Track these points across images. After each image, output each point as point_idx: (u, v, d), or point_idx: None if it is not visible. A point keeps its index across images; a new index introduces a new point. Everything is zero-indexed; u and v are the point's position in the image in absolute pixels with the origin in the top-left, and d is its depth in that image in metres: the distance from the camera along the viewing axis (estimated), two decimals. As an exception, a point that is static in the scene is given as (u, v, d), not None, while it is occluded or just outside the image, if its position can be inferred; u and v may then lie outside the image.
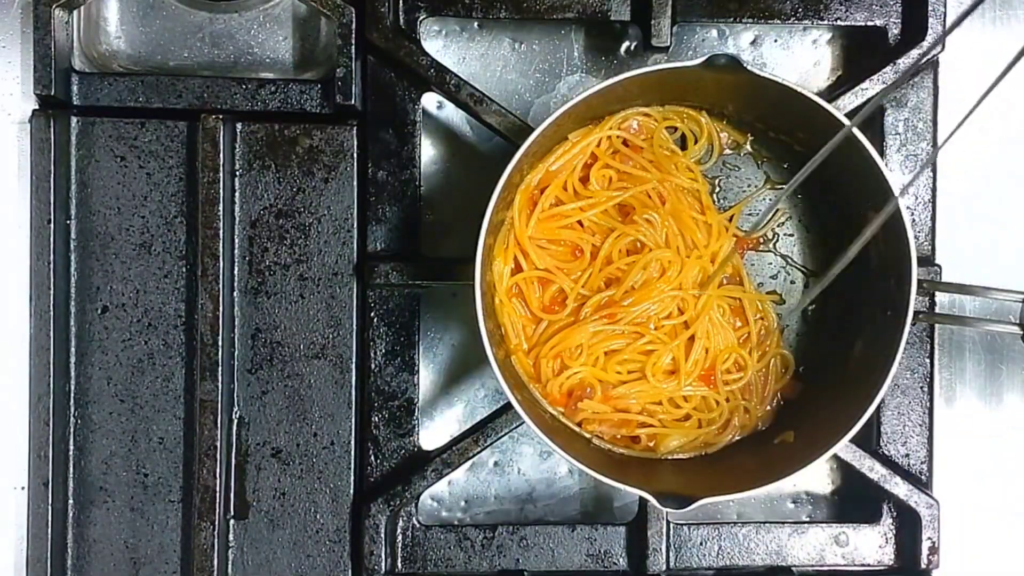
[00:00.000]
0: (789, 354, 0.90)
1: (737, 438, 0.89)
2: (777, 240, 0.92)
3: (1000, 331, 0.84)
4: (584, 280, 0.87)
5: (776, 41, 0.97)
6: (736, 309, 0.90)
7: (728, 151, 0.91)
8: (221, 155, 0.86)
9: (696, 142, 0.90)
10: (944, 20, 0.90)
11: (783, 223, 0.92)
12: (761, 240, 0.91)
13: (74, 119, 0.88)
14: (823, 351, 0.91)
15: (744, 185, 0.91)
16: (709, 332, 0.88)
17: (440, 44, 0.95)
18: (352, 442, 0.89)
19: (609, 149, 0.88)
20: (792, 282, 0.92)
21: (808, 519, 0.96)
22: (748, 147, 0.91)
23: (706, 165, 0.90)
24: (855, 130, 0.77)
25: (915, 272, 0.80)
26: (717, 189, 0.91)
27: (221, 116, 0.87)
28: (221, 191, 0.87)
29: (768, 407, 0.90)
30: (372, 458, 0.90)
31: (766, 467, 0.83)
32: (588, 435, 0.87)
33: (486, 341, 0.78)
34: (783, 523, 0.92)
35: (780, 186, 0.91)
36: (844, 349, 0.89)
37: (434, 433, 0.94)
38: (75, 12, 0.89)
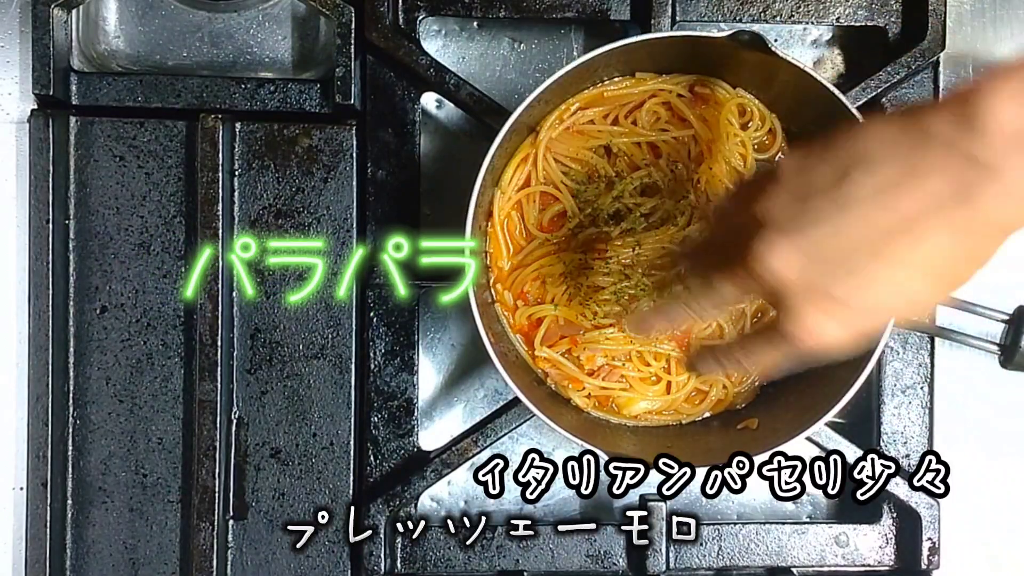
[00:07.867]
0: None
1: (709, 413, 0.89)
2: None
3: (981, 348, 0.83)
4: (589, 210, 0.87)
5: (776, 41, 0.96)
6: None
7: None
8: (220, 155, 0.86)
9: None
10: (944, 20, 0.90)
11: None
12: None
13: (73, 119, 0.88)
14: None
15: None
16: None
17: (439, 44, 0.95)
18: (352, 442, 0.89)
19: (672, 94, 0.88)
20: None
21: (808, 519, 0.96)
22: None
23: (764, 157, 0.90)
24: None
25: None
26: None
27: (220, 116, 0.86)
28: (220, 191, 0.86)
29: (756, 383, 0.90)
30: (372, 458, 0.90)
31: (726, 449, 0.83)
32: (567, 397, 0.88)
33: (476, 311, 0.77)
34: (783, 523, 0.92)
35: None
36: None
37: (434, 433, 0.94)
38: (74, 12, 0.89)
